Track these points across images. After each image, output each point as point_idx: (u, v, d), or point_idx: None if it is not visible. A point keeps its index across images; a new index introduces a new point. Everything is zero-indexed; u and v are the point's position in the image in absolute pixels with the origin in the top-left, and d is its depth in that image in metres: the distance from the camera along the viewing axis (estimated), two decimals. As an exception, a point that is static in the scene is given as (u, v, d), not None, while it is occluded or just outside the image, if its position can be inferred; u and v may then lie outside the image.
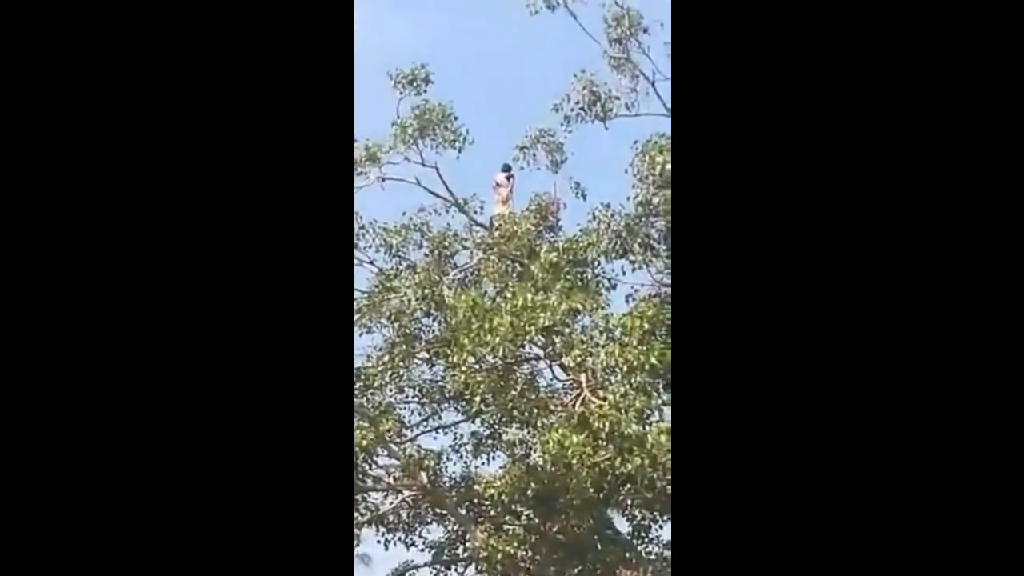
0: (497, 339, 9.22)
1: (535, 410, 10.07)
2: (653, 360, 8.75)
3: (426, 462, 10.84)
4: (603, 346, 9.29)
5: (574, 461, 9.04)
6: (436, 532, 11.47)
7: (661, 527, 10.74)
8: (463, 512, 10.94)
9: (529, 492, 9.98)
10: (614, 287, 10.75)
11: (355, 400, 9.95)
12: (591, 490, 9.74)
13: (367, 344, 10.94)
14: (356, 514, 10.43)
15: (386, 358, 10.61)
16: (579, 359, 9.54)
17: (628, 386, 9.06)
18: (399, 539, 11.33)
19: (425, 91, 11.30)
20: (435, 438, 11.55)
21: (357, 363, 10.29)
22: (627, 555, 10.34)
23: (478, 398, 10.07)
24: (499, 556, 9.70)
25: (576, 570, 10.28)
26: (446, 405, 11.32)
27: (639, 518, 10.76)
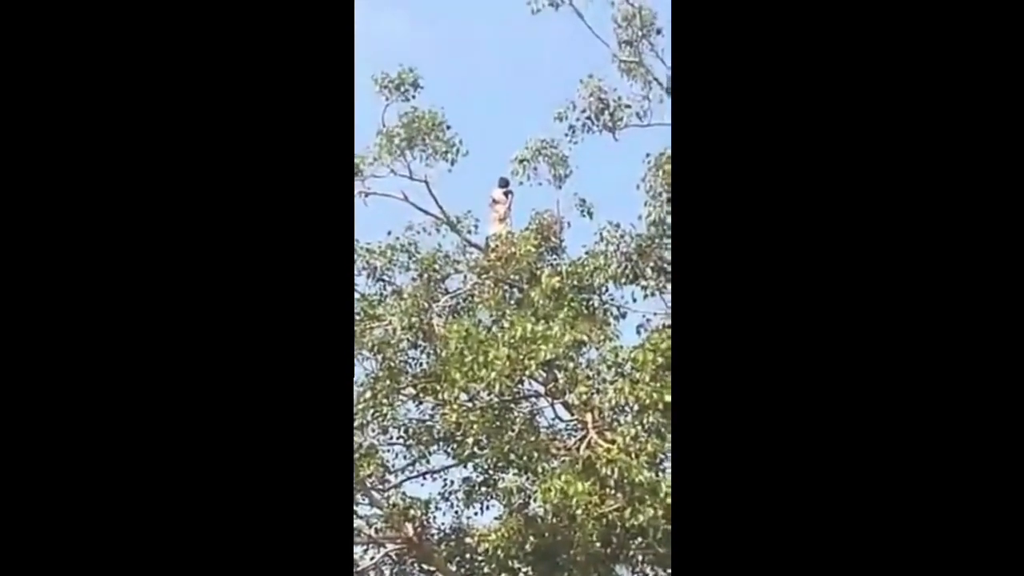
0: (493, 374, 9.17)
1: (535, 454, 9.99)
2: (668, 398, 8.67)
3: (412, 512, 10.76)
4: (611, 382, 9.26)
5: (579, 511, 8.96)
6: (423, 590, 11.38)
7: (675, 586, 10.62)
8: (453, 568, 10.86)
9: (528, 546, 9.87)
10: (624, 316, 10.76)
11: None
12: (597, 544, 9.62)
13: (347, 379, 10.85)
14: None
15: (368, 394, 10.51)
16: (584, 397, 9.50)
17: (639, 427, 9.02)
18: (381, 598, 11.26)
19: (414, 97, 11.35)
20: (422, 485, 11.51)
21: (335, 400, 10.17)
22: (637, 618, 10.23)
23: (471, 440, 9.99)
24: (494, 618, 9.63)
25: (580, 635, 10.15)
26: (435, 448, 11.24)
27: (651, 576, 10.65)
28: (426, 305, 10.77)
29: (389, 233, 11.50)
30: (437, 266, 11.33)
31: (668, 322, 10.49)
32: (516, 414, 10.40)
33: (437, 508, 11.28)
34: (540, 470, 9.87)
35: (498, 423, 9.97)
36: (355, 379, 10.82)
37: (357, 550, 11.04)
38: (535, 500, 9.94)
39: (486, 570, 10.39)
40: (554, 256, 11.33)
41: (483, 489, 11.11)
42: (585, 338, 9.64)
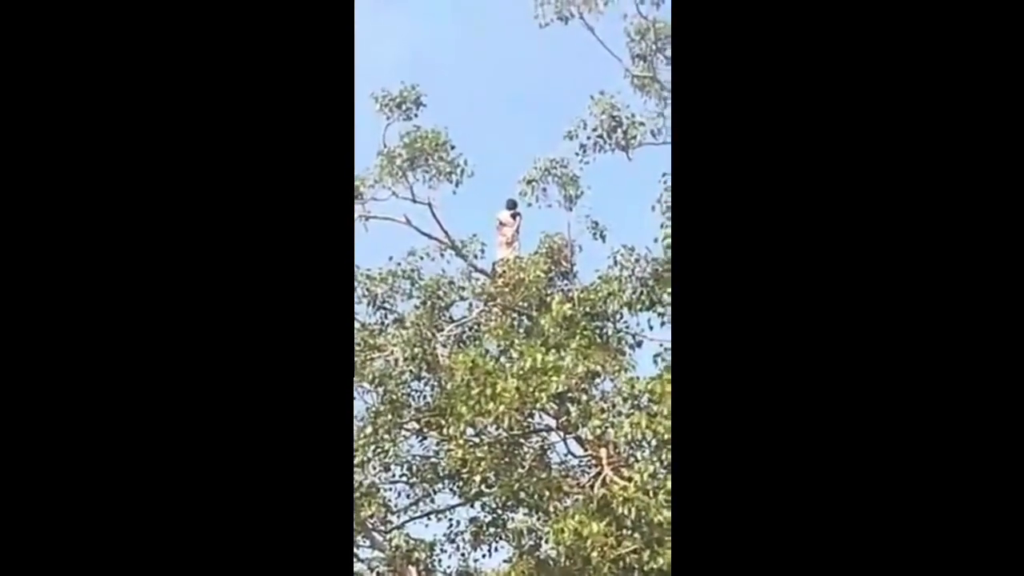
0: (501, 407, 9.14)
1: (546, 492, 9.97)
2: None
3: (416, 554, 10.75)
4: (627, 415, 9.21)
5: (593, 554, 8.91)
6: (428, 639, 11.34)
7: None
8: (460, 615, 10.80)
9: (539, 591, 9.85)
10: (639, 345, 10.73)
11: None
12: (613, 589, 9.59)
13: (346, 413, 10.84)
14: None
15: (368, 430, 10.51)
16: (599, 431, 9.46)
17: (658, 464, 8.97)
18: (383, 648, 11.20)
19: (416, 115, 11.44)
20: (427, 525, 11.50)
21: (334, 436, 10.18)
22: (657, 668, 10.16)
23: (478, 478, 9.97)
24: (503, 669, 9.59)
25: None
26: (440, 486, 11.23)
27: (671, 622, 10.59)
28: (430, 334, 10.78)
29: (391, 259, 11.56)
30: (441, 293, 11.36)
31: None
32: (526, 450, 10.39)
33: (442, 550, 11.25)
34: (552, 509, 9.84)
35: (507, 459, 9.96)
36: (355, 413, 10.83)
37: (358, 595, 11.02)
38: (547, 541, 9.92)
39: (495, 616, 10.37)
40: (565, 282, 11.35)
41: (491, 530, 11.08)
42: (599, 368, 9.62)
